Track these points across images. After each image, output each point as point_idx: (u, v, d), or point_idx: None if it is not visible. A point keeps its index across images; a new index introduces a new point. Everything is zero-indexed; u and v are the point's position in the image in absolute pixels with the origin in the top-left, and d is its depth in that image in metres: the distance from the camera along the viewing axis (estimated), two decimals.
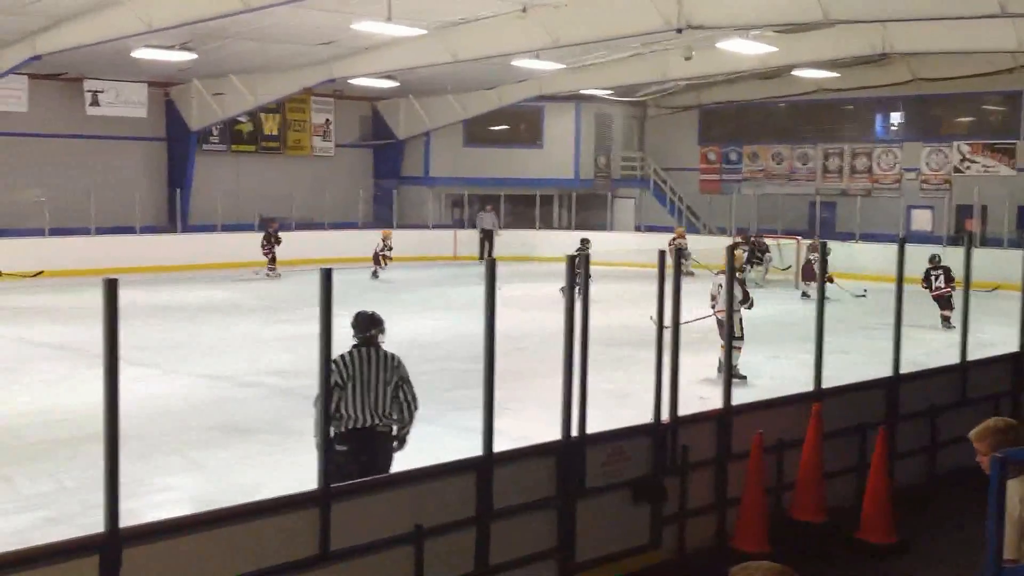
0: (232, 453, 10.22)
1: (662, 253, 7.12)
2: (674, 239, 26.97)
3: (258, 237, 27.41)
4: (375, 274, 26.03)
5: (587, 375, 6.56)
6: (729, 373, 7.84)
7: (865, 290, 22.23)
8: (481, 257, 31.09)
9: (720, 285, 13.31)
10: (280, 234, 26.46)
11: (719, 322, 13.18)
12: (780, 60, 26.39)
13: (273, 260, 26.01)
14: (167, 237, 28.87)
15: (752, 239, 26.58)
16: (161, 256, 27.38)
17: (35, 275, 18.19)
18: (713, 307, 13.99)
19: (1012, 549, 4.59)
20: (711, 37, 23.40)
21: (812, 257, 22.68)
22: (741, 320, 13.13)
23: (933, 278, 19.25)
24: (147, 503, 8.03)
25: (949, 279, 18.92)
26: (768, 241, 26.89)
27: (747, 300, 13.34)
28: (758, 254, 26.08)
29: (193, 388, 13.28)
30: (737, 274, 13.20)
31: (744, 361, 13.24)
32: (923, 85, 30.80)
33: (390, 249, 26.77)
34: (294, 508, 5.36)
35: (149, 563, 4.78)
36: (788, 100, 33.79)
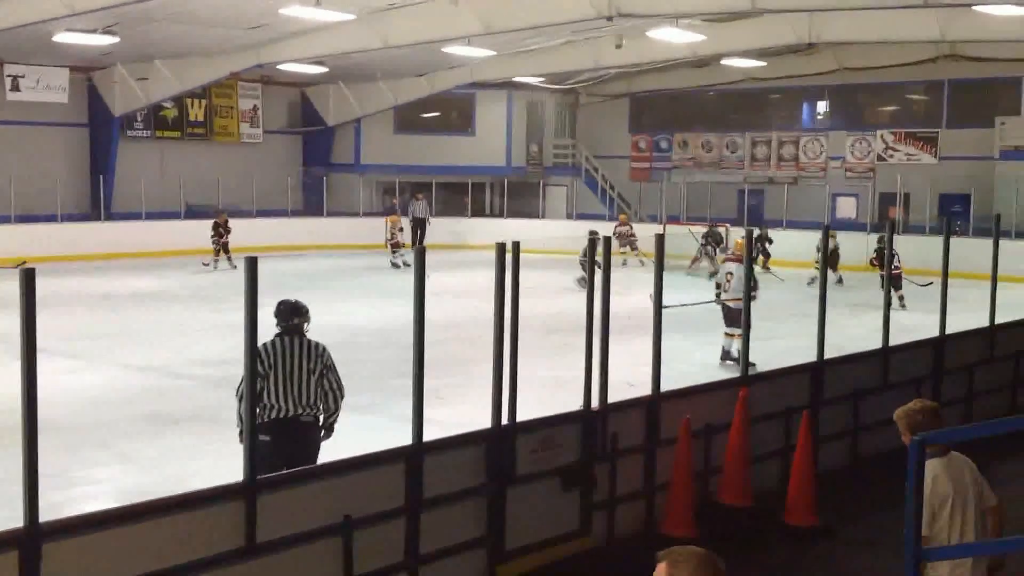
0: (160, 444, 10.07)
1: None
2: (617, 226, 26.97)
3: (185, 224, 26.98)
4: (402, 262, 25.55)
5: (517, 362, 6.57)
6: (742, 360, 7.95)
7: (812, 279, 22.34)
8: (413, 245, 30.95)
9: (730, 273, 13.83)
10: (230, 223, 25.78)
11: (729, 309, 13.47)
12: (709, 49, 26.65)
13: (226, 249, 25.18)
14: (90, 225, 28.29)
15: (709, 227, 26.84)
16: (84, 244, 26.83)
17: (18, 265, 17.94)
18: (718, 295, 14.22)
19: (925, 526, 4.73)
20: (642, 26, 23.56)
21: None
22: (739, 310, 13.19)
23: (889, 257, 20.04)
24: (73, 496, 7.90)
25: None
26: (720, 230, 27.12)
27: (756, 288, 13.35)
28: (712, 243, 26.26)
29: (120, 379, 13.05)
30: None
31: (674, 347, 13.34)
32: (848, 75, 31.32)
33: (401, 231, 26.70)
34: (219, 500, 5.30)
35: (71, 558, 4.70)
36: (717, 89, 34.13)
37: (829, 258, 21.62)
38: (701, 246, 26.16)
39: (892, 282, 19.25)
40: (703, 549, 2.95)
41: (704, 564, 2.93)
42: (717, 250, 26.16)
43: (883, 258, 19.86)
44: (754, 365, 12.99)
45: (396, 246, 26.36)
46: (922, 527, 4.66)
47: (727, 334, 13.87)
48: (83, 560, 4.77)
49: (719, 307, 14.07)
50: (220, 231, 25.43)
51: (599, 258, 7.35)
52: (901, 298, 19.05)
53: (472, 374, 11.46)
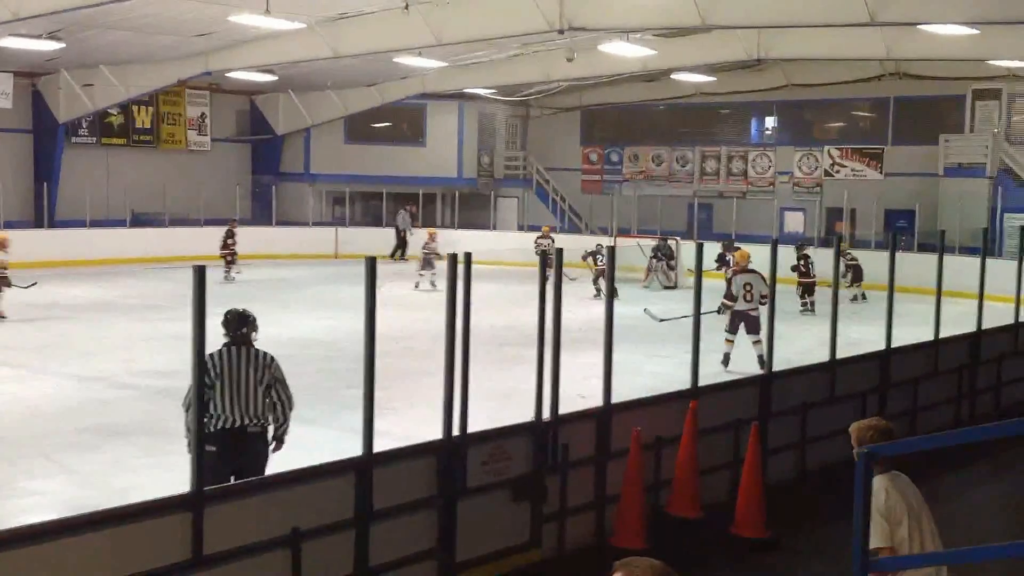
0: (104, 456, 9.90)
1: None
2: (538, 238, 26.69)
3: (130, 232, 26.55)
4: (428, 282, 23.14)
5: (468, 374, 6.54)
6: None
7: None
8: (392, 256, 30.85)
9: (748, 284, 14.30)
10: (236, 231, 25.31)
11: (749, 316, 14.22)
12: (660, 64, 26.86)
13: (233, 259, 24.67)
14: (34, 232, 27.78)
15: (659, 240, 26.96)
16: (27, 252, 26.28)
17: (30, 286, 17.71)
18: (723, 307, 14.65)
19: (885, 537, 4.79)
20: (593, 39, 23.68)
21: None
22: (759, 316, 14.11)
23: (803, 264, 20.81)
24: (14, 508, 7.75)
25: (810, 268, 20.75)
26: (671, 243, 27.21)
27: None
28: (663, 256, 26.32)
29: (64, 389, 12.83)
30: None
31: (624, 359, 13.42)
32: (796, 91, 31.74)
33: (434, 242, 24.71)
34: (166, 512, 5.22)
35: (16, 569, 4.60)
36: (668, 103, 34.42)
37: (854, 274, 22.00)
38: (651, 259, 26.25)
39: (806, 288, 20.00)
40: (659, 561, 2.95)
41: (659, 575, 2.93)
42: (670, 263, 26.28)
43: (800, 269, 20.61)
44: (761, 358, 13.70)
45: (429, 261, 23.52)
46: (883, 539, 4.74)
47: (728, 340, 14.39)
48: (28, 571, 4.67)
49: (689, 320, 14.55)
50: (229, 240, 25.01)
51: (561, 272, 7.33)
52: (812, 304, 20.26)
53: (421, 385, 11.41)
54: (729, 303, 14.52)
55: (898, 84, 30.13)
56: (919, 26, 20.38)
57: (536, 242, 25.90)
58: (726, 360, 14.23)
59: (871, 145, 31.78)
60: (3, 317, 17.45)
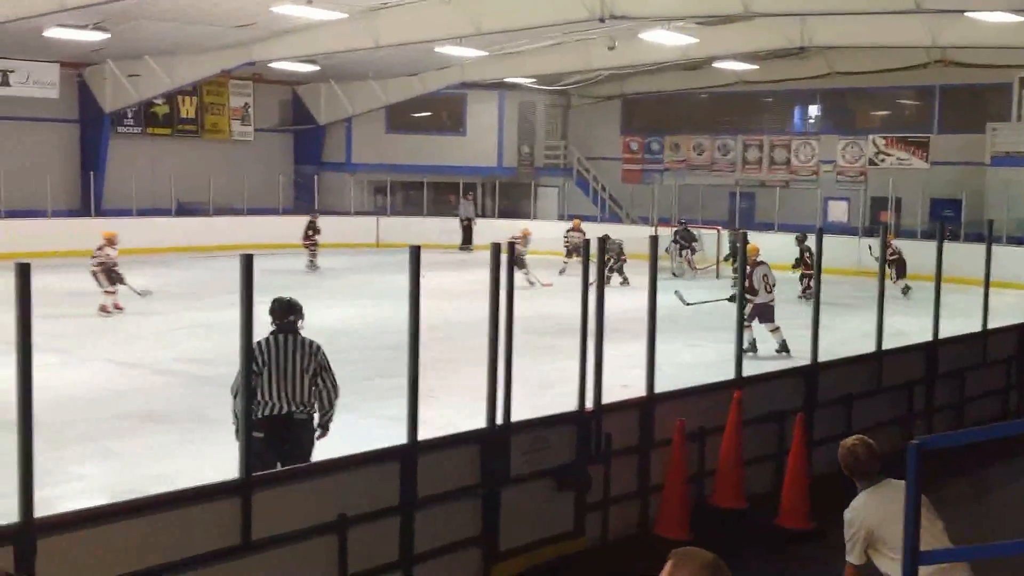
0: (147, 442, 10.02)
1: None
2: (569, 231, 25.90)
3: (176, 221, 26.75)
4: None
5: (512, 363, 6.55)
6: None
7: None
8: (461, 246, 30.89)
9: (766, 275, 14.91)
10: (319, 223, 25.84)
11: (766, 306, 14.78)
12: (701, 52, 26.69)
13: (315, 250, 25.40)
14: (80, 221, 28.11)
15: (681, 226, 26.88)
16: (74, 241, 26.64)
17: (143, 293, 18.02)
18: (733, 296, 14.69)
19: (859, 554, 4.84)
20: (634, 28, 23.57)
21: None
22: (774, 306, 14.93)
23: (808, 257, 20.56)
24: (60, 492, 7.84)
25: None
26: (694, 230, 27.16)
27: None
28: (683, 240, 26.33)
29: (107, 376, 13.00)
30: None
31: (663, 349, 13.41)
32: (840, 79, 31.38)
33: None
34: (215, 497, 5.27)
35: (66, 553, 4.67)
36: (709, 91, 34.17)
37: (898, 265, 21.67)
38: (672, 243, 26.15)
39: (811, 278, 19.98)
40: (712, 555, 2.94)
41: (705, 568, 2.92)
42: (690, 249, 26.17)
43: (806, 261, 20.41)
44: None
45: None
46: (858, 555, 4.81)
47: (747, 326, 14.45)
48: (78, 555, 4.73)
49: (708, 307, 14.57)
50: (311, 231, 25.48)
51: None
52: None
53: (462, 374, 11.44)
54: (751, 297, 14.57)
55: (944, 72, 29.70)
56: (965, 13, 20.11)
57: (566, 235, 25.70)
58: (752, 347, 14.39)
59: (916, 134, 31.39)
60: (120, 309, 17.83)
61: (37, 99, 28.17)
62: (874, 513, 4.94)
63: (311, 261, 25.19)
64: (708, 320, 16.65)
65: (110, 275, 17.88)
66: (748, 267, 15.12)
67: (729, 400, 8.04)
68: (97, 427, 10.42)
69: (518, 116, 35.84)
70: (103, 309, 17.64)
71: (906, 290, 21.35)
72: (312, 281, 22.06)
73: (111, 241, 18.32)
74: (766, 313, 14.88)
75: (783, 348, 14.66)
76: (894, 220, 28.33)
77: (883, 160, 31.70)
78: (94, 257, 18.09)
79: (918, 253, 20.34)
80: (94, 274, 17.92)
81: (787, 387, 8.93)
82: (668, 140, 35.62)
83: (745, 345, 14.02)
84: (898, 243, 22.54)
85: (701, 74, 32.21)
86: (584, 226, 25.59)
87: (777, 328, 14.83)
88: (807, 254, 20.81)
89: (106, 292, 17.80)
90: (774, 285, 14.91)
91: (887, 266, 22.06)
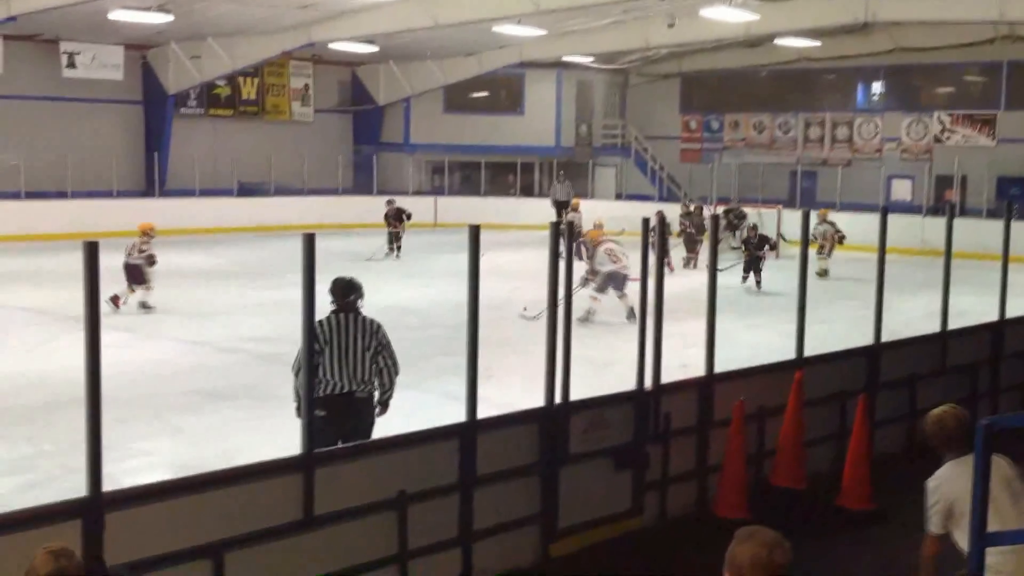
0: (211, 418, 10.18)
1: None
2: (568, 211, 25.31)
3: (237, 202, 26.99)
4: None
5: (571, 342, 6.55)
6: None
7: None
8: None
9: (610, 251, 15.79)
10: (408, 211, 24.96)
11: (615, 275, 15.65)
12: (762, 28, 26.32)
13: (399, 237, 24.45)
14: (144, 201, 28.60)
15: (730, 207, 26.62)
16: (138, 220, 27.00)
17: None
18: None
19: (938, 524, 4.77)
20: (694, 4, 23.33)
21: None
22: None
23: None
24: (126, 468, 7.99)
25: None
26: (748, 209, 26.87)
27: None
28: (735, 220, 26.07)
29: (172, 353, 13.21)
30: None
31: (722, 329, 13.35)
32: (904, 55, 30.80)
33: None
34: (278, 473, 5.35)
35: (132, 527, 4.76)
36: (770, 69, 33.75)
37: (830, 243, 21.62)
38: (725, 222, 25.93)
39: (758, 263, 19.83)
40: (775, 532, 2.93)
41: (766, 545, 2.91)
42: (739, 228, 25.85)
43: (753, 240, 20.29)
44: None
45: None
46: (939, 526, 4.73)
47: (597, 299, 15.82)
48: (145, 529, 4.83)
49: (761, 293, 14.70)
50: (399, 217, 24.66)
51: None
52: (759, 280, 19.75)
53: (519, 353, 11.45)
54: (591, 276, 15.86)
55: (1011, 47, 28.99)
56: None
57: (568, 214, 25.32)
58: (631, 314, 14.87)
59: (983, 111, 30.75)
60: (150, 307, 16.13)
61: (102, 81, 28.63)
62: (957, 485, 4.85)
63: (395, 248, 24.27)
64: (769, 302, 16.54)
65: (143, 273, 16.14)
66: (592, 247, 16.22)
67: (790, 380, 7.97)
68: (163, 404, 10.61)
69: (576, 95, 35.66)
70: (115, 301, 15.31)
71: (823, 273, 21.30)
72: (372, 262, 22.18)
73: (148, 233, 16.72)
74: (617, 280, 15.64)
75: (631, 315, 14.92)
76: (959, 199, 27.82)
77: (948, 138, 31.12)
78: (140, 251, 16.25)
79: (984, 232, 19.96)
80: (132, 268, 16.00)
81: (849, 368, 8.82)
82: (728, 118, 35.25)
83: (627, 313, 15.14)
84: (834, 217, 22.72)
85: (762, 51, 31.79)
86: (640, 206, 25.43)
87: (625, 295, 15.57)
88: (750, 229, 21.36)
89: (133, 290, 15.99)
90: (624, 255, 15.59)
91: (823, 241, 22.33)
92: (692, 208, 25.39)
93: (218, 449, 8.87)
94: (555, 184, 32.26)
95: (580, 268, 12.35)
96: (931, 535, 5.01)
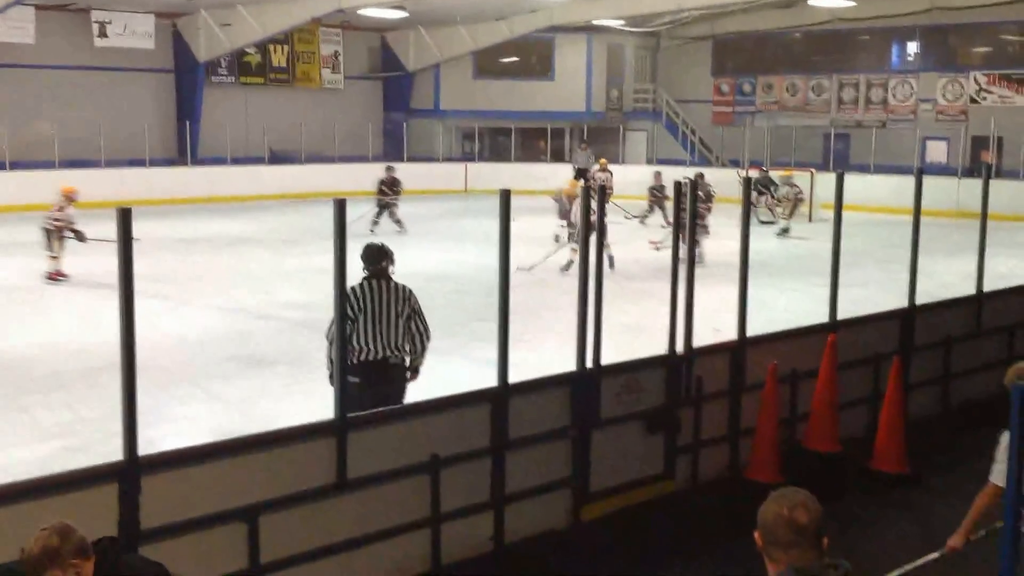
0: (248, 384, 10.27)
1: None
2: (596, 171, 25.43)
3: (269, 170, 27.01)
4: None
5: (602, 306, 6.54)
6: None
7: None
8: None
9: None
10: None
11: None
12: None
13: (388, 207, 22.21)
14: (177, 170, 28.80)
15: (762, 171, 26.41)
16: (172, 189, 27.33)
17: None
18: None
19: (998, 476, 4.72)
20: None
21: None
22: None
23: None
24: (164, 432, 8.08)
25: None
26: (773, 174, 26.58)
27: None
28: (760, 187, 25.81)
29: (207, 320, 13.32)
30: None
31: (756, 294, 13.30)
32: (940, 14, 30.36)
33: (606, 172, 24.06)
34: (312, 437, 5.39)
35: (168, 491, 4.82)
36: (803, 30, 33.37)
37: (794, 205, 22.14)
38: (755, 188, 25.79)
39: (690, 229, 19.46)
40: (804, 496, 2.95)
41: (797, 507, 2.93)
42: (769, 194, 25.62)
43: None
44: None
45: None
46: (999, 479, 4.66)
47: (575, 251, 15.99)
48: (180, 492, 4.88)
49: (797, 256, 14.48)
50: (388, 187, 22.54)
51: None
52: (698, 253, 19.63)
53: (551, 318, 11.46)
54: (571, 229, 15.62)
55: None
56: None
57: (593, 175, 25.36)
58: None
59: (1020, 70, 30.25)
60: (65, 277, 15.54)
61: (134, 50, 28.76)
62: None
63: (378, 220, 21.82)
64: (801, 264, 16.43)
65: (62, 237, 15.59)
66: (569, 201, 16.38)
67: (823, 344, 7.92)
68: (200, 370, 10.71)
69: (607, 59, 35.42)
70: (52, 276, 15.41)
71: (784, 231, 22.16)
72: (399, 233, 22.21)
73: (70, 197, 15.95)
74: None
75: (567, 267, 15.19)
76: (995, 160, 27.45)
77: (985, 98, 30.66)
78: (56, 219, 15.61)
79: (1021, 195, 19.72)
80: (48, 233, 15.55)
81: (883, 330, 8.76)
82: (760, 81, 34.92)
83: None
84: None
85: (795, 12, 31.44)
86: (673, 171, 25.25)
87: (607, 245, 15.69)
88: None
89: (52, 257, 15.59)
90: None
91: (778, 201, 22.63)
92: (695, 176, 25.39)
93: (256, 414, 8.96)
94: (576, 151, 32.16)
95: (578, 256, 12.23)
96: (992, 485, 4.97)
